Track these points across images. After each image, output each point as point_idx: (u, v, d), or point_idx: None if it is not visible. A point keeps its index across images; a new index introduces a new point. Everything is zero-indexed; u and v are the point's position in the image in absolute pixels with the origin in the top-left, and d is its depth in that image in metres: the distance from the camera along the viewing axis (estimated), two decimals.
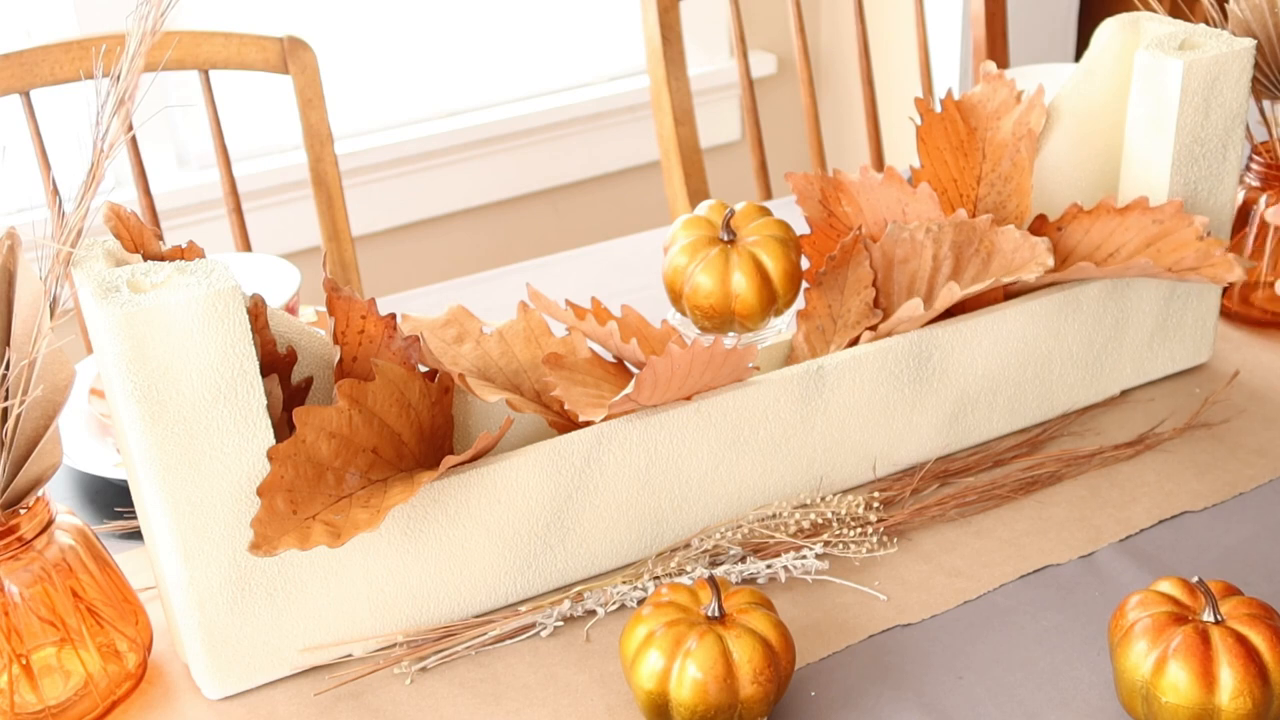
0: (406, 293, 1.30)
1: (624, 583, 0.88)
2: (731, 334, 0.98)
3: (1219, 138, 1.01)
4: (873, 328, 0.95)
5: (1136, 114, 1.01)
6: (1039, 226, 1.00)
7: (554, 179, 2.28)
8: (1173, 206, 0.98)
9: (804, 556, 0.89)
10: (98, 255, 0.76)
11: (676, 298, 0.97)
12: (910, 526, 0.93)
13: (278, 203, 2.03)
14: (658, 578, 0.88)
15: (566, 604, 0.86)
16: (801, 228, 1.02)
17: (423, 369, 0.83)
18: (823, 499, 0.94)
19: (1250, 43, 0.99)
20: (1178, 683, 0.71)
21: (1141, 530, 0.92)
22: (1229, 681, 0.71)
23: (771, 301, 0.95)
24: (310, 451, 0.76)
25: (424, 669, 0.84)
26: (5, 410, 0.73)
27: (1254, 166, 1.15)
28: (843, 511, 0.92)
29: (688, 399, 0.87)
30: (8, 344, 0.74)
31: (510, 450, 0.84)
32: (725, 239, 0.96)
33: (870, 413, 0.94)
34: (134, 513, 0.96)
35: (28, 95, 1.34)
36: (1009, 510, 0.95)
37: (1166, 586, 0.76)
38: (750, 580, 0.89)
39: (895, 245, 0.97)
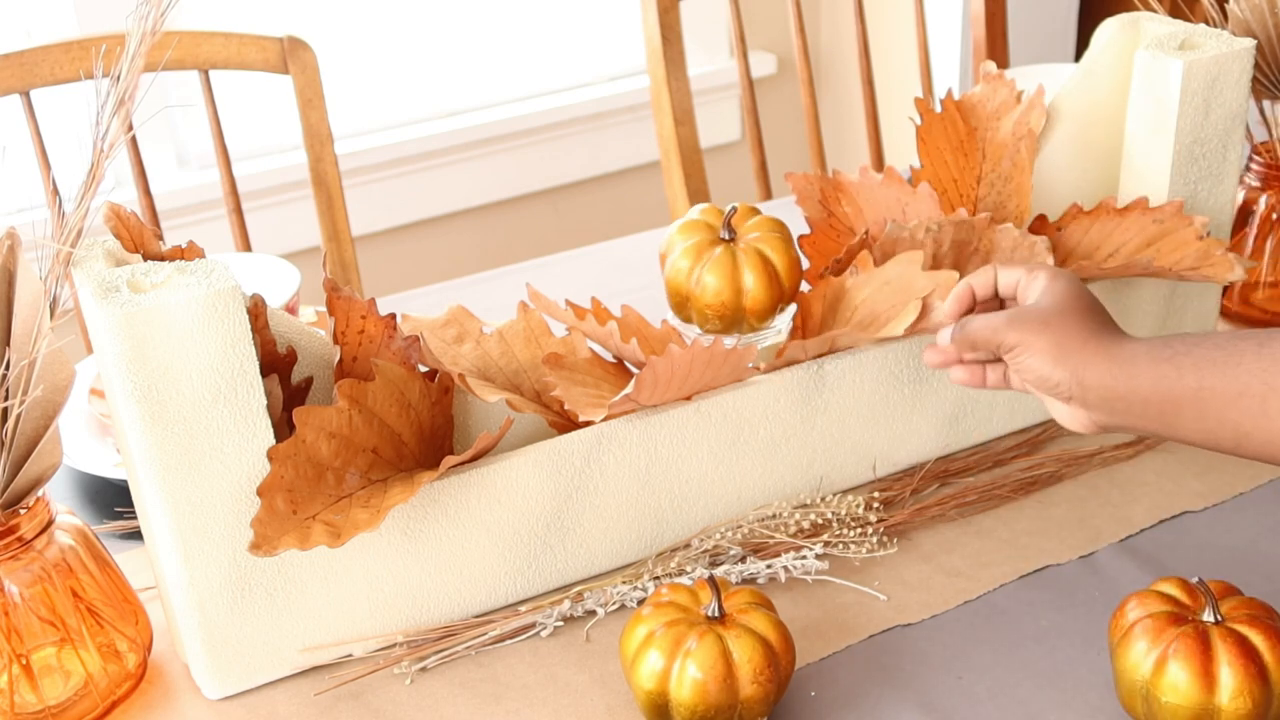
0: (406, 293, 1.30)
1: (624, 583, 0.88)
2: (730, 336, 0.97)
3: (1219, 138, 1.01)
4: None
5: (1136, 114, 1.01)
6: (1039, 226, 1.00)
7: (554, 179, 2.28)
8: (1173, 206, 0.98)
9: (804, 556, 0.89)
10: (98, 255, 0.76)
11: (681, 302, 0.96)
12: (910, 526, 0.93)
13: (278, 203, 2.02)
14: (658, 578, 0.88)
15: (566, 604, 0.86)
16: (801, 228, 1.02)
17: (423, 369, 0.83)
18: (823, 499, 0.94)
19: (1250, 43, 0.99)
20: (1178, 683, 0.71)
21: (1141, 530, 0.92)
22: (1229, 681, 0.71)
23: (780, 297, 0.95)
24: (310, 451, 0.76)
25: (424, 669, 0.83)
26: (5, 410, 0.73)
27: (1254, 166, 1.15)
28: (843, 512, 0.92)
29: (688, 399, 0.87)
30: (8, 344, 0.74)
31: (510, 450, 0.84)
32: (726, 238, 0.95)
33: (870, 413, 0.94)
34: (134, 513, 0.96)
35: (28, 95, 1.34)
36: (1009, 510, 0.95)
37: (1166, 587, 0.76)
38: (750, 580, 0.89)
39: (895, 245, 0.97)
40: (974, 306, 0.85)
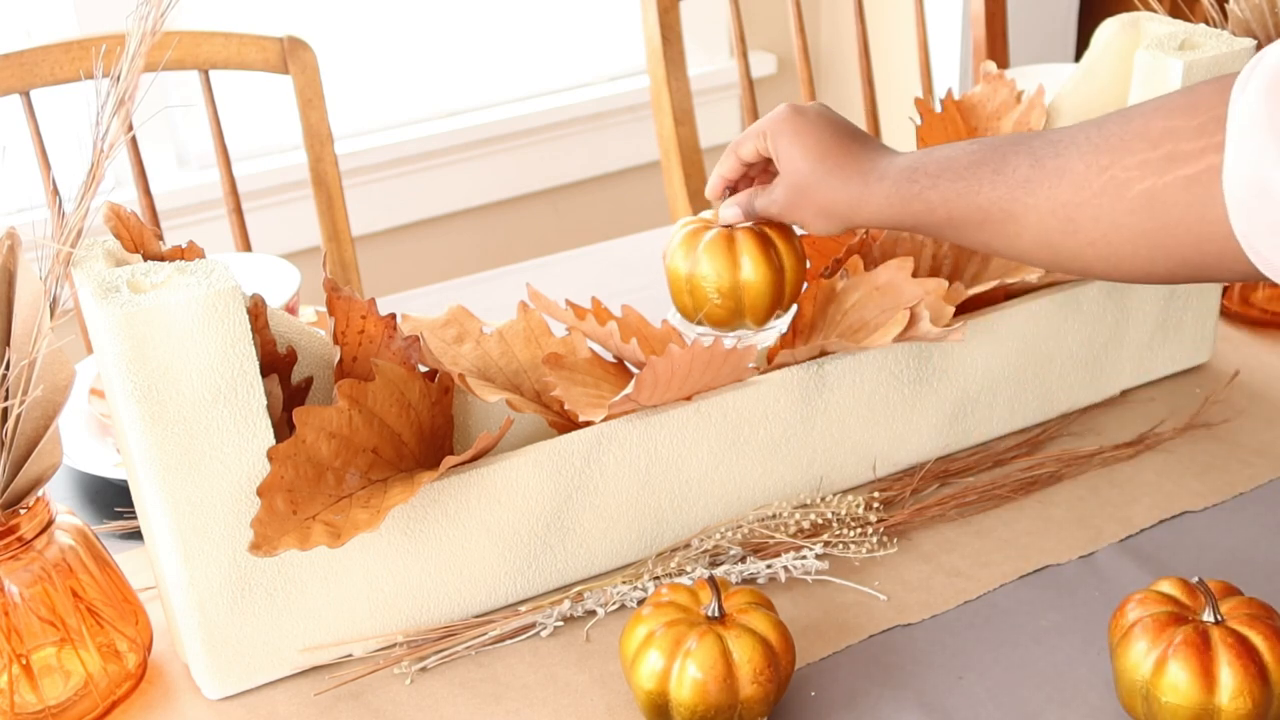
0: (406, 293, 1.30)
1: (624, 583, 0.88)
2: (730, 335, 0.97)
3: None
4: None
5: None
6: None
7: (554, 179, 2.28)
8: None
9: (804, 556, 0.89)
10: (98, 255, 0.76)
11: (682, 286, 0.93)
12: (910, 526, 0.93)
13: (278, 203, 2.02)
14: (658, 578, 0.88)
15: (566, 604, 0.86)
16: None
17: (423, 369, 0.83)
18: (823, 499, 0.94)
19: (1250, 43, 0.99)
20: (1178, 683, 0.71)
21: (1141, 530, 0.92)
22: (1229, 681, 0.71)
23: (782, 295, 0.94)
24: (310, 451, 0.76)
25: (424, 669, 0.84)
26: (5, 410, 0.73)
27: None
28: (843, 511, 0.92)
29: (688, 399, 0.87)
30: (8, 344, 0.74)
31: (510, 450, 0.84)
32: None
33: (870, 413, 0.94)
34: (134, 513, 0.96)
35: (28, 95, 1.34)
36: (1009, 510, 0.95)
37: (1166, 586, 0.76)
38: (750, 580, 0.89)
39: (895, 245, 0.97)
40: (746, 170, 0.92)
